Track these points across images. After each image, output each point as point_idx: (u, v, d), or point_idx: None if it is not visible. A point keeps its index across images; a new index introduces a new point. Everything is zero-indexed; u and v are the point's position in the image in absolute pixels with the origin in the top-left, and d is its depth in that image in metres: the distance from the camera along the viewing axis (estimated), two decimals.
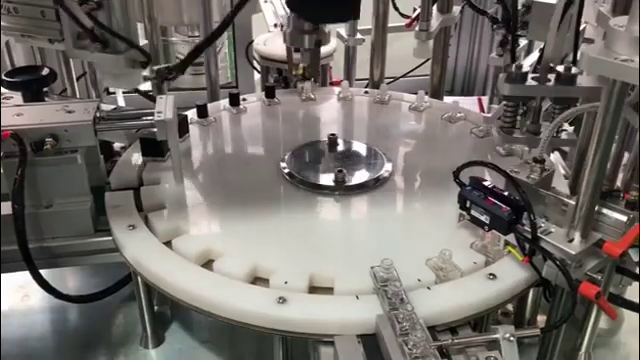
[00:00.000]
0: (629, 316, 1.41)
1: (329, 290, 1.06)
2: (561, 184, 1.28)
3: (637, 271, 1.24)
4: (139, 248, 1.15)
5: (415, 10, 1.87)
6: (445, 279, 1.07)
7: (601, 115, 0.92)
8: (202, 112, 1.64)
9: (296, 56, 1.78)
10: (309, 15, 1.59)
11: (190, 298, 1.05)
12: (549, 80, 1.30)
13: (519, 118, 1.41)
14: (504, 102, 1.35)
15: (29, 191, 1.21)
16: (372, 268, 1.05)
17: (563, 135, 1.38)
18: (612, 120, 0.92)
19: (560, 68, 1.31)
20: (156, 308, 1.38)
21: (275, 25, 2.14)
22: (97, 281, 1.47)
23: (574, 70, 1.30)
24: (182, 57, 2.36)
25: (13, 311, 1.45)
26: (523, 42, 1.99)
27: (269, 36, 2.05)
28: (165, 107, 1.28)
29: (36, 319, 1.45)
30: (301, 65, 1.79)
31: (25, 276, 1.45)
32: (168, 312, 1.43)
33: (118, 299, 1.45)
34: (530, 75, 1.31)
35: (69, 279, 1.56)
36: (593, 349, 1.33)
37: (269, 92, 1.76)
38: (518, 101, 1.34)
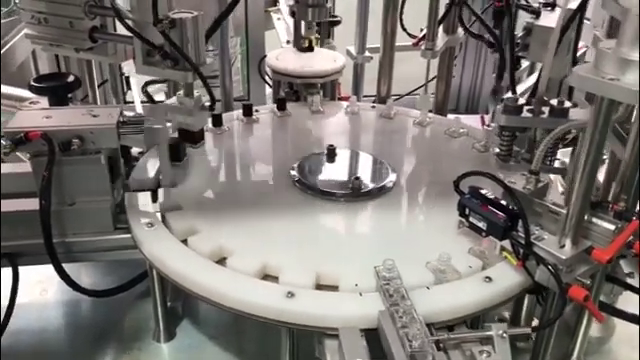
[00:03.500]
0: (620, 325, 1.47)
1: (334, 288, 1.14)
2: (557, 197, 1.35)
3: (628, 281, 1.32)
4: (158, 245, 1.23)
5: (422, 30, 1.97)
6: (444, 281, 1.14)
7: (589, 131, 1.00)
8: (217, 121, 1.72)
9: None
10: None
11: (207, 292, 1.13)
12: (543, 112, 1.39)
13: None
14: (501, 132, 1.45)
15: (54, 189, 1.29)
16: (375, 267, 1.12)
17: (556, 164, 1.48)
18: (600, 135, 0.99)
19: (554, 102, 1.41)
20: (168, 304, 1.45)
21: (288, 42, 2.23)
22: (109, 279, 1.53)
23: (567, 104, 1.39)
24: None
25: (31, 304, 1.51)
26: (525, 64, 2.08)
27: (281, 51, 2.14)
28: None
29: (53, 312, 1.52)
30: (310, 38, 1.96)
31: (43, 271, 1.55)
32: (179, 309, 1.50)
33: (131, 296, 1.52)
34: (525, 107, 1.41)
35: (82, 276, 1.62)
36: (585, 356, 1.39)
37: (280, 104, 1.84)
38: (514, 131, 1.43)
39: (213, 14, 1.86)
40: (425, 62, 2.00)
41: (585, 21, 1.56)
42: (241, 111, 1.80)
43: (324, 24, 2.14)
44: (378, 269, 1.12)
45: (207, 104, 1.44)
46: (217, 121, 1.72)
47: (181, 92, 1.41)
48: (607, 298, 1.41)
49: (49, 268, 1.51)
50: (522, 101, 1.41)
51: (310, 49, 1.98)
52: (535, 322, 1.47)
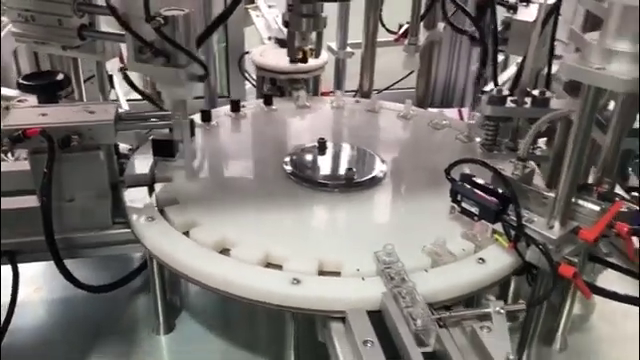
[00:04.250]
0: (600, 303, 1.55)
1: (337, 274, 1.18)
2: (540, 182, 1.43)
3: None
4: (160, 238, 1.25)
5: (401, 27, 2.03)
6: (440, 263, 1.19)
7: (577, 118, 1.06)
8: (206, 117, 1.74)
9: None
10: None
11: (214, 282, 1.16)
12: (526, 103, 1.47)
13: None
14: (485, 122, 1.52)
15: (53, 185, 1.29)
16: (375, 252, 1.17)
17: (537, 152, 1.56)
18: (587, 121, 1.06)
19: (535, 92, 1.48)
20: (167, 298, 1.47)
21: (269, 38, 2.26)
22: (100, 275, 1.53)
23: (548, 94, 1.46)
24: None
25: (26, 302, 1.51)
26: (500, 57, 2.16)
27: (265, 48, 2.17)
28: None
29: (49, 310, 1.52)
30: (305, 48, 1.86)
31: (36, 269, 1.56)
32: (177, 302, 1.52)
33: (127, 292, 1.53)
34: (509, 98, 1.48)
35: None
36: (568, 333, 1.47)
37: (267, 100, 1.88)
38: (498, 121, 1.50)
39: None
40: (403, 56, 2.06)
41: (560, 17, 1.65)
42: (228, 107, 1.83)
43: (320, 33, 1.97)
44: (378, 254, 1.17)
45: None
46: (206, 117, 1.74)
47: None
48: (588, 277, 1.49)
49: (42, 266, 1.53)
50: (506, 92, 1.48)
51: (304, 60, 1.90)
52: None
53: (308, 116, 1.86)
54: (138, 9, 1.29)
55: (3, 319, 1.30)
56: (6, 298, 1.33)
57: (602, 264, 1.39)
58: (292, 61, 1.87)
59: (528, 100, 1.48)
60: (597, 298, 1.54)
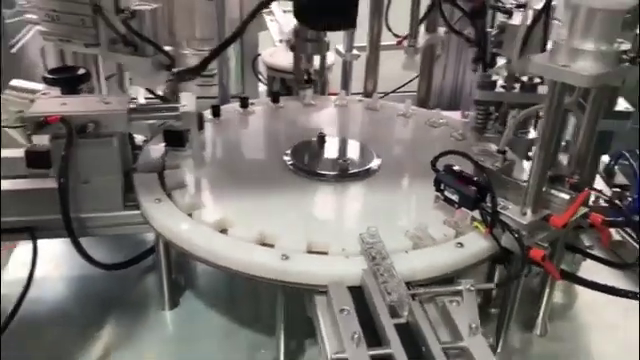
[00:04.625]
0: (582, 293, 1.62)
1: (324, 254, 1.28)
2: (522, 174, 1.51)
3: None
4: (167, 218, 1.36)
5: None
6: (421, 246, 1.29)
7: (545, 111, 1.15)
8: (216, 112, 1.86)
9: None
10: (313, 24, 1.81)
11: (213, 257, 1.27)
12: (515, 88, 1.55)
13: (491, 122, 1.67)
14: (477, 106, 1.60)
15: (70, 168, 1.42)
16: (360, 234, 1.27)
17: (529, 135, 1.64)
18: (554, 115, 1.15)
19: (524, 78, 1.56)
20: (172, 277, 1.58)
21: (280, 41, 2.37)
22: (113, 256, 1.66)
23: (536, 80, 1.54)
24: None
25: (47, 278, 1.64)
26: (502, 61, 2.24)
27: (275, 50, 2.29)
28: (189, 102, 1.51)
29: (66, 285, 1.65)
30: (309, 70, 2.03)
31: (57, 248, 1.69)
32: (182, 281, 1.64)
33: (136, 271, 1.65)
34: (499, 83, 1.56)
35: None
36: (551, 321, 1.55)
37: (275, 97, 1.99)
38: (488, 105, 1.58)
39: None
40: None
41: (556, 21, 1.73)
42: (238, 104, 1.94)
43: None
44: (362, 235, 1.26)
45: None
46: (216, 112, 1.86)
47: None
48: (569, 267, 1.57)
49: (61, 245, 1.66)
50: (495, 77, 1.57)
51: (309, 81, 2.05)
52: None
53: (312, 113, 1.97)
54: (109, 2, 1.50)
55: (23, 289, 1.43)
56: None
57: (580, 254, 1.47)
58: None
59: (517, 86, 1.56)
60: (579, 288, 1.62)
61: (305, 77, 2.00)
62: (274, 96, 2.00)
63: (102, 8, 1.54)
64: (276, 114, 1.95)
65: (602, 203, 1.57)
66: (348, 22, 1.73)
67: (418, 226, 1.31)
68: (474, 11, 1.83)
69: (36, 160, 1.48)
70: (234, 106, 1.95)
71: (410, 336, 1.08)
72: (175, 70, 1.74)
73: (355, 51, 2.23)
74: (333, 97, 2.08)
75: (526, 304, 1.52)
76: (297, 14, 1.71)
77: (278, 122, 1.92)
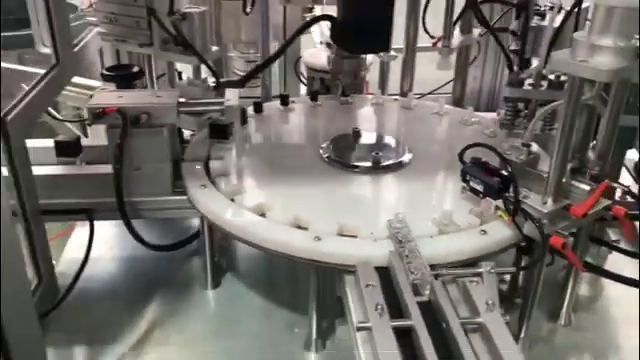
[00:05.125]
0: (608, 287, 1.66)
1: (354, 237, 1.37)
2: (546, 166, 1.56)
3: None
4: (210, 201, 1.48)
5: None
6: (445, 233, 1.36)
7: (564, 105, 1.21)
8: (258, 108, 1.98)
9: None
10: (350, 48, 1.90)
11: (254, 238, 1.38)
12: (542, 85, 1.61)
13: (520, 119, 1.73)
14: (506, 104, 1.67)
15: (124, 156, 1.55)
16: (389, 220, 1.35)
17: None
18: (573, 108, 1.21)
19: (551, 76, 1.62)
20: (215, 259, 1.70)
21: (321, 42, 2.48)
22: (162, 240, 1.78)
23: (563, 78, 1.60)
24: (236, 70, 2.79)
25: (100, 259, 1.78)
26: (536, 62, 2.28)
27: (316, 51, 2.39)
28: (233, 97, 1.63)
29: (118, 265, 1.79)
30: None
31: (111, 231, 1.83)
32: (223, 263, 1.76)
33: (182, 254, 1.78)
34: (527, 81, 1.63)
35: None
36: (575, 312, 1.59)
37: (313, 96, 2.09)
38: (517, 102, 1.65)
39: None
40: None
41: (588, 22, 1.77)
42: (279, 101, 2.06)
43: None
44: (391, 221, 1.35)
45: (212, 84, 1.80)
46: (258, 108, 1.98)
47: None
48: (595, 261, 1.61)
49: (115, 229, 1.80)
50: (523, 76, 1.63)
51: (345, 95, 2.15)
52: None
53: (350, 111, 2.06)
54: (163, 5, 1.64)
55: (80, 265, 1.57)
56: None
57: (603, 245, 1.51)
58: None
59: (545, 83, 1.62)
60: (605, 282, 1.66)
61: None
62: (313, 94, 2.10)
63: (156, 10, 1.67)
64: (314, 111, 2.05)
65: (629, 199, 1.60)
66: (383, 45, 1.84)
67: (444, 214, 1.39)
68: (520, 5, 1.88)
69: (65, 149, 1.66)
70: (275, 104, 2.06)
71: (431, 312, 1.16)
72: (221, 80, 1.86)
73: (392, 52, 2.32)
74: (369, 96, 2.17)
75: (552, 296, 1.58)
76: (335, 38, 1.78)
77: (316, 119, 2.02)
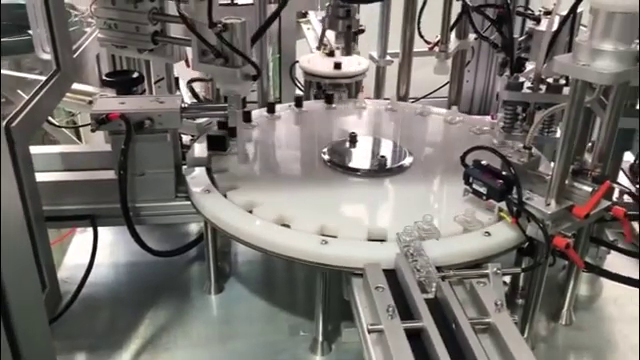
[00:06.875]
0: (607, 287, 1.69)
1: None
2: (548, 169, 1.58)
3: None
4: (216, 207, 1.48)
5: (437, 37, 2.23)
6: (470, 230, 1.38)
7: (567, 108, 1.24)
8: (246, 117, 1.95)
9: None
10: None
11: (256, 240, 1.38)
12: (541, 89, 1.64)
13: (519, 122, 1.76)
14: (504, 107, 1.69)
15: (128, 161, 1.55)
16: (397, 234, 1.35)
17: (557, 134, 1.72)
18: (576, 111, 1.23)
19: (550, 80, 1.65)
20: (218, 264, 1.71)
21: (317, 47, 2.50)
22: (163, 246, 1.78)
23: (561, 82, 1.63)
24: None
25: (102, 264, 1.78)
26: (530, 66, 2.32)
27: (312, 56, 2.41)
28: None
29: (119, 271, 1.79)
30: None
31: (112, 238, 1.83)
32: (227, 268, 1.76)
33: (184, 259, 1.79)
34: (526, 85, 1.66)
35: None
36: (576, 312, 1.62)
37: (297, 101, 2.08)
38: (515, 105, 1.68)
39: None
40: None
41: (582, 27, 1.82)
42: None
43: (346, 34, 2.18)
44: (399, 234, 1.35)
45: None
46: (247, 117, 1.94)
47: None
48: (594, 262, 1.64)
49: (116, 235, 1.80)
50: (522, 79, 1.66)
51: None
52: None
53: (342, 116, 2.08)
54: (203, 17, 1.55)
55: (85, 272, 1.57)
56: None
57: (603, 245, 1.54)
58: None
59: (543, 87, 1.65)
60: (604, 282, 1.69)
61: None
62: (297, 100, 2.09)
63: (196, 22, 1.62)
64: (300, 117, 2.05)
65: (627, 199, 1.63)
66: None
67: (466, 211, 1.41)
68: (499, 18, 1.93)
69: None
70: (264, 111, 2.04)
71: (440, 313, 1.17)
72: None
73: (388, 57, 2.34)
74: (368, 100, 2.18)
75: (553, 297, 1.60)
76: None
77: (311, 124, 2.02)
